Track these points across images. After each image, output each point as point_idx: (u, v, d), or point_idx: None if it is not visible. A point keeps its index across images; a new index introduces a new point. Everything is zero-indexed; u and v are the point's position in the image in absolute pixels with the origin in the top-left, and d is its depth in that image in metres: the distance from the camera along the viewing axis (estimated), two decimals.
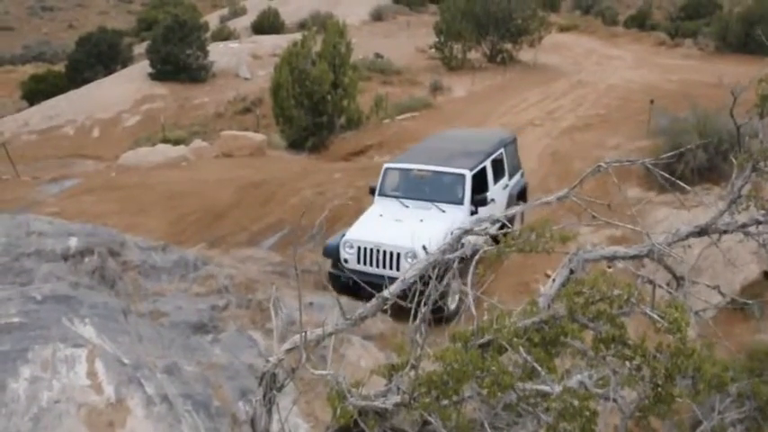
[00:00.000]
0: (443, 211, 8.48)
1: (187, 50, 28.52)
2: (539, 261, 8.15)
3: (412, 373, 2.63)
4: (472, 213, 8.42)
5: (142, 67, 30.22)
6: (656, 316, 2.66)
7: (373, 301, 3.37)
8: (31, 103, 29.75)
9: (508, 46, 30.35)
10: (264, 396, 3.06)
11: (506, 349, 2.58)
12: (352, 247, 8.20)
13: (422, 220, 8.25)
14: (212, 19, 43.95)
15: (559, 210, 9.03)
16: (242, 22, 43.41)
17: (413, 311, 3.03)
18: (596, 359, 2.61)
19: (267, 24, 40.10)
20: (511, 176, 10.33)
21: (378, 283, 5.96)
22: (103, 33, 35.79)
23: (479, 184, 9.12)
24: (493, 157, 9.65)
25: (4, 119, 26.68)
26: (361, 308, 3.30)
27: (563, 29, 39.46)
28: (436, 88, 24.27)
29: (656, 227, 8.48)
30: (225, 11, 51.33)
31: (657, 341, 2.63)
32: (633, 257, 3.29)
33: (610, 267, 5.57)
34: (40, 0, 71.98)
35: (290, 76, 17.30)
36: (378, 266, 7.99)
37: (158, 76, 28.72)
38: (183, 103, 26.98)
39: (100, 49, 33.56)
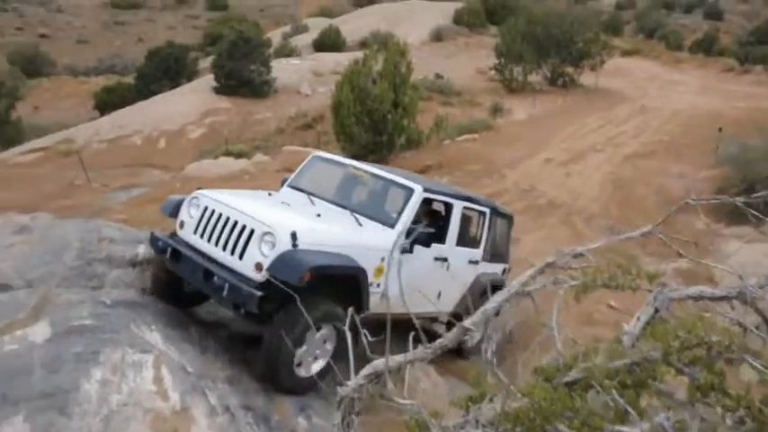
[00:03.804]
0: (360, 225, 5.90)
1: (251, 66, 29.15)
2: (601, 291, 7.96)
3: (492, 406, 2.59)
4: (403, 250, 5.86)
5: (207, 81, 31.01)
6: (759, 366, 2.49)
7: (455, 330, 3.32)
8: (102, 113, 30.85)
9: (569, 69, 30.09)
10: (343, 420, 3.06)
11: (593, 388, 2.49)
12: (198, 206, 5.58)
13: (318, 215, 5.83)
14: (275, 36, 44.94)
15: (629, 243, 8.85)
16: (304, 40, 44.19)
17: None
18: (676, 402, 2.51)
19: (328, 42, 40.75)
20: (489, 257, 7.44)
21: (194, 268, 5.22)
22: (171, 48, 36.92)
23: (431, 221, 6.60)
24: (471, 206, 7.05)
25: (77, 127, 27.66)
26: (442, 338, 3.26)
27: (626, 53, 38.96)
28: (496, 110, 24.18)
29: (727, 260, 8.20)
30: (287, 28, 52.36)
31: (763, 393, 2.47)
32: (721, 299, 3.06)
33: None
34: (114, 15, 74.89)
35: (352, 93, 17.44)
36: (214, 243, 5.26)
37: (222, 90, 29.42)
38: (245, 118, 27.53)
39: (167, 62, 34.63)
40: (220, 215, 5.36)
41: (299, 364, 5.07)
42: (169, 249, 5.44)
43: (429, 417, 2.50)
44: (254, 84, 29.26)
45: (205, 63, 37.36)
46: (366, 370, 3.12)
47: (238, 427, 4.24)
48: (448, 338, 3.24)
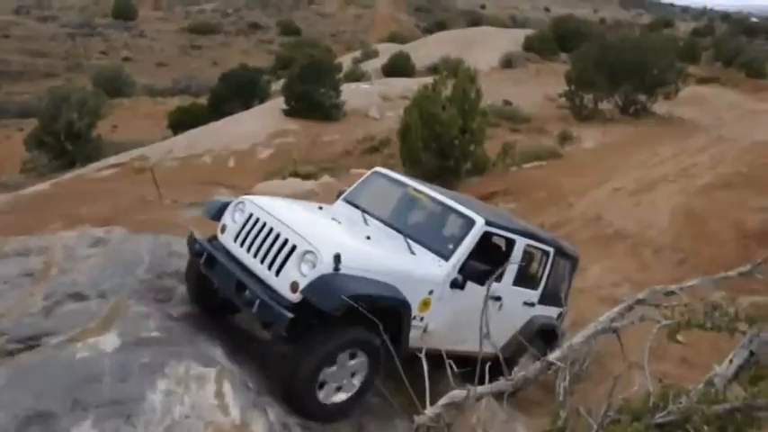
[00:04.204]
0: (412, 253, 5.51)
1: (321, 89, 29.65)
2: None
3: None
4: (453, 284, 5.45)
5: (277, 103, 31.68)
6: None
7: (537, 364, 3.24)
8: (176, 132, 31.87)
9: (642, 97, 29.40)
10: None
11: (686, 430, 2.36)
12: (243, 211, 5.34)
13: (368, 238, 5.45)
14: (345, 60, 45.58)
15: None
16: (373, 65, 44.79)
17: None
18: None
19: (398, 67, 41.16)
20: (545, 300, 6.91)
21: (227, 277, 4.95)
22: (244, 70, 37.96)
23: (489, 258, 5.97)
24: (535, 245, 6.53)
25: (152, 145, 28.65)
26: (523, 370, 3.18)
27: (702, 81, 37.85)
28: (565, 138, 23.84)
29: None
30: (358, 53, 53.18)
31: None
32: None
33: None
34: (191, 40, 77.77)
35: (420, 118, 17.53)
36: (253, 254, 5.01)
37: (292, 112, 29.99)
38: (314, 140, 27.96)
39: (240, 84, 35.55)
40: (264, 224, 5.07)
41: (322, 387, 4.76)
42: (205, 254, 5.24)
43: None
44: (323, 107, 29.72)
45: (277, 86, 38.23)
46: (444, 399, 3.07)
47: None
48: (530, 371, 3.15)
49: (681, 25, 63.29)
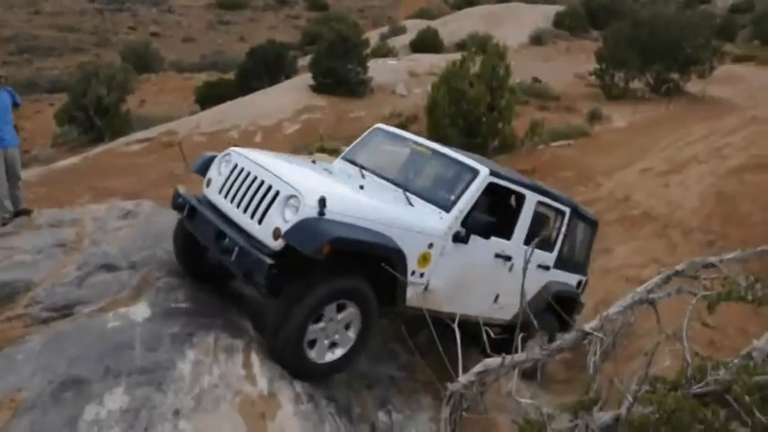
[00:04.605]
0: (410, 204, 5.11)
1: (348, 65, 29.58)
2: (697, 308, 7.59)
3: (603, 413, 2.49)
4: (456, 238, 5.05)
5: (304, 79, 31.67)
6: None
7: (573, 333, 3.19)
8: (203, 108, 32.05)
9: (675, 76, 28.83)
10: (450, 415, 3.02)
11: (724, 401, 2.34)
12: (229, 162, 5.01)
13: (361, 188, 5.04)
14: (373, 36, 45.34)
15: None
16: (401, 41, 44.47)
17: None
18: None
19: (426, 43, 40.82)
20: (563, 265, 6.51)
21: (207, 227, 4.63)
22: (271, 46, 37.96)
23: (498, 211, 5.69)
24: (547, 202, 6.11)
25: (179, 120, 28.88)
26: (559, 340, 3.16)
27: (738, 59, 36.95)
28: (594, 117, 23.52)
29: None
30: (385, 29, 52.79)
31: None
32: None
33: None
34: (219, 15, 77.76)
35: (448, 95, 17.42)
36: (236, 204, 4.68)
37: (319, 88, 29.98)
38: (340, 116, 27.93)
39: (267, 60, 35.62)
40: (248, 174, 4.72)
41: (313, 346, 4.46)
42: (187, 206, 4.93)
43: (547, 418, 2.42)
44: (350, 83, 29.66)
45: (304, 62, 38.19)
46: (479, 367, 3.06)
47: (321, 415, 4.30)
48: (565, 341, 3.12)
49: (719, 1, 61.48)
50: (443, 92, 17.52)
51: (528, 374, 5.32)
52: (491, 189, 5.43)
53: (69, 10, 72.09)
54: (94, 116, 28.89)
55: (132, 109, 32.31)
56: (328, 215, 4.24)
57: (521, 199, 5.78)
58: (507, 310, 5.91)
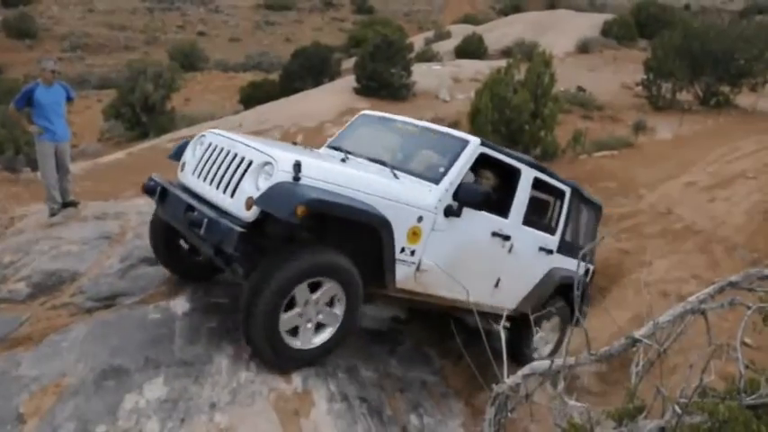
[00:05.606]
0: (395, 177, 4.81)
1: (392, 69, 29.61)
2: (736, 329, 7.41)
3: (648, 421, 2.46)
4: (448, 212, 4.71)
5: (348, 81, 31.81)
6: None
7: (622, 340, 3.13)
8: (247, 107, 32.44)
9: (725, 88, 28.17)
10: (495, 416, 3.01)
11: None
12: (203, 143, 4.76)
13: (343, 161, 4.91)
14: (417, 41, 45.32)
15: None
16: (446, 46, 44.34)
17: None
18: None
19: (470, 49, 40.65)
20: (567, 251, 6.18)
21: (177, 205, 4.33)
22: (316, 48, 38.24)
23: (492, 187, 5.54)
24: (545, 180, 5.84)
25: (223, 119, 29.26)
26: (608, 346, 3.13)
27: None
28: (639, 128, 23.09)
29: None
30: (430, 33, 52.76)
31: None
32: None
33: None
34: (265, 16, 78.71)
35: (491, 101, 17.32)
36: (209, 182, 4.39)
37: (362, 91, 30.08)
38: None
39: (312, 62, 35.88)
40: (222, 149, 4.45)
41: (295, 333, 4.19)
42: (158, 188, 4.67)
43: (595, 422, 2.40)
44: (393, 86, 29.69)
45: (348, 64, 38.39)
46: (526, 369, 3.06)
47: (354, 415, 4.33)
48: (614, 347, 3.06)
49: None
50: (486, 98, 17.42)
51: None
52: (484, 161, 5.19)
53: (121, 9, 73.74)
54: (141, 113, 29.48)
55: (177, 107, 32.86)
56: (304, 180, 3.94)
57: (515, 173, 5.49)
58: (510, 296, 5.66)
